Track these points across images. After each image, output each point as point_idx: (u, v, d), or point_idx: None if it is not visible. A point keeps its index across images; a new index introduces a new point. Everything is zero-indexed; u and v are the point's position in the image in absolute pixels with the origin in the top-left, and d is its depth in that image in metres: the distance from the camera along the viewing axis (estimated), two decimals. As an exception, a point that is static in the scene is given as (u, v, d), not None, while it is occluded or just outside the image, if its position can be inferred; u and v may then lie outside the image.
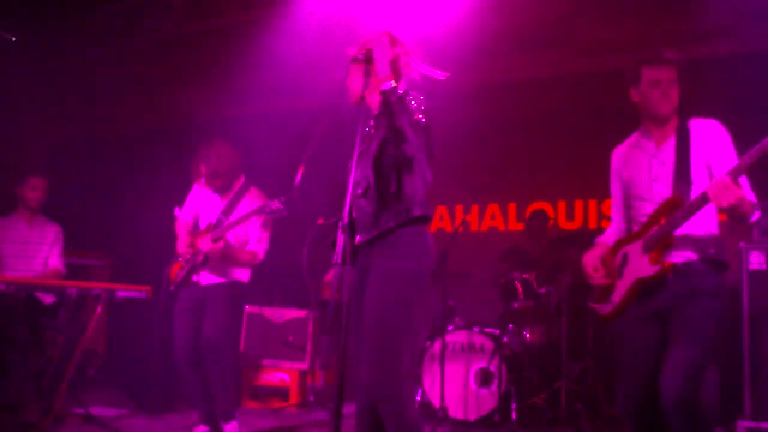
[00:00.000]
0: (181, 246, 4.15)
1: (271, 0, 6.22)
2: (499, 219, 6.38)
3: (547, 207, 6.18)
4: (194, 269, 4.10)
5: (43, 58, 6.99)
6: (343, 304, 2.27)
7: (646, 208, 2.68)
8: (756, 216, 2.44)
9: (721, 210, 2.41)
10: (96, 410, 4.67)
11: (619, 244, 2.79)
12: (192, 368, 4.02)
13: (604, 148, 3.02)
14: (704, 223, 2.59)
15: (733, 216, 2.43)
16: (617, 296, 2.71)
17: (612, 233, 2.92)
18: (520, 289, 5.01)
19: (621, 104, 2.93)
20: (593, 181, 3.10)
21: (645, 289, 2.61)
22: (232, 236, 4.11)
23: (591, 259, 2.82)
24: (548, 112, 6.00)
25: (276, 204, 3.91)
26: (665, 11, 5.39)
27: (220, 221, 4.12)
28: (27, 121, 7.47)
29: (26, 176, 4.93)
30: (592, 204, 5.94)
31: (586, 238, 3.66)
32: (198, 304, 4.07)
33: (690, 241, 2.57)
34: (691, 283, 2.54)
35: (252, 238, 4.20)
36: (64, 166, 7.33)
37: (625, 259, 2.72)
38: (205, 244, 4.04)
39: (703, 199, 2.39)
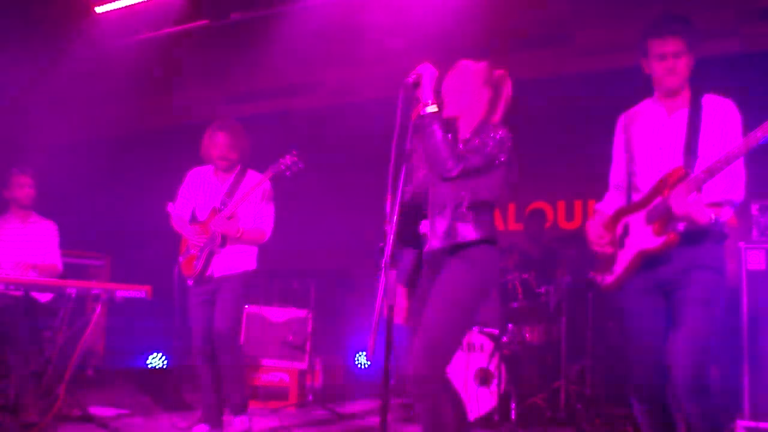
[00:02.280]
0: (193, 236, 4.09)
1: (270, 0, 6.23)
2: (499, 219, 6.38)
3: (546, 207, 6.18)
4: (212, 255, 4.06)
5: (42, 57, 6.99)
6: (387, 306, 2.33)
7: (649, 176, 2.65)
8: (726, 217, 2.47)
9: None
10: (95, 410, 4.67)
11: (620, 213, 2.75)
12: (207, 361, 4.03)
13: (603, 149, 3.01)
14: (707, 195, 2.56)
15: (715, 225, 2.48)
16: (619, 267, 2.68)
17: (610, 201, 2.89)
18: (519, 289, 5.01)
19: (620, 104, 2.93)
20: (592, 182, 3.10)
21: (648, 260, 2.59)
22: (240, 215, 4.07)
23: (594, 227, 2.80)
24: (547, 112, 5.99)
25: (288, 159, 3.90)
26: (664, 11, 5.38)
27: (225, 203, 4.09)
28: (27, 121, 7.47)
29: (11, 176, 4.90)
30: (592, 204, 5.93)
31: (585, 238, 3.66)
32: (212, 297, 4.07)
33: None
34: (693, 256, 2.53)
35: (256, 214, 4.15)
36: (64, 166, 7.33)
37: (626, 230, 2.69)
38: (219, 225, 3.99)
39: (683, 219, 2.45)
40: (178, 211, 4.27)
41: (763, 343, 4.06)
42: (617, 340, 4.81)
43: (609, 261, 2.75)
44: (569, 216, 6.12)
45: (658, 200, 2.56)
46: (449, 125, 2.65)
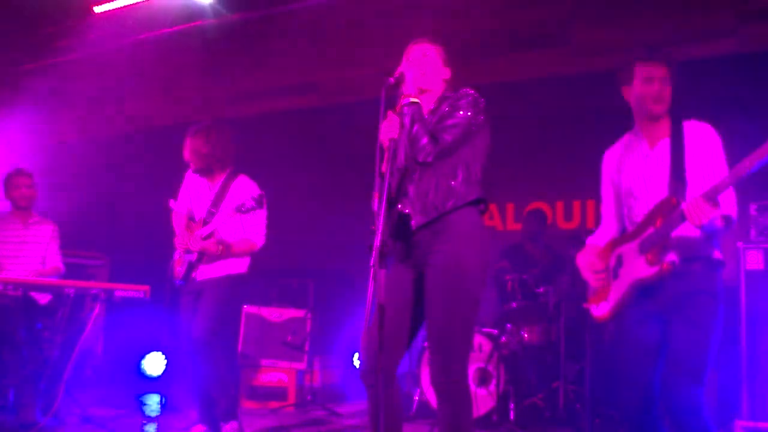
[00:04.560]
0: (178, 241, 4.08)
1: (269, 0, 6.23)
2: (497, 219, 6.38)
3: (545, 207, 6.18)
4: (192, 267, 4.05)
5: (42, 57, 7.00)
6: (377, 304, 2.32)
7: (640, 208, 2.67)
8: (721, 226, 2.46)
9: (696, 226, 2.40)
10: (94, 410, 4.68)
11: (613, 244, 2.77)
12: (193, 363, 3.99)
13: (602, 149, 3.01)
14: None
15: (705, 231, 2.46)
16: (613, 297, 2.69)
17: (602, 234, 2.90)
18: (518, 289, 5.01)
19: (619, 105, 2.93)
20: (591, 182, 3.10)
21: (643, 290, 2.59)
22: (225, 229, 4.01)
23: (588, 260, 2.81)
24: (546, 112, 5.99)
25: (249, 200, 3.79)
26: (664, 11, 5.39)
27: (210, 214, 4.03)
28: (27, 121, 7.47)
29: (9, 177, 4.91)
30: (590, 204, 5.94)
31: (584, 237, 3.66)
32: (197, 299, 4.03)
33: (688, 242, 2.56)
34: (690, 283, 2.53)
35: (245, 224, 4.08)
36: (65, 166, 7.34)
37: (620, 260, 2.70)
38: (194, 243, 3.95)
39: (681, 218, 2.41)
40: (177, 208, 4.27)
41: (762, 343, 4.06)
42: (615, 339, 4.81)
43: (602, 292, 2.76)
44: (568, 216, 6.12)
45: (650, 230, 2.57)
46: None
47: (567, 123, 5.89)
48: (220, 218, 3.95)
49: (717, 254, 2.59)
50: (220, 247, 3.97)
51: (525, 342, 5.03)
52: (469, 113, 2.65)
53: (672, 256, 2.53)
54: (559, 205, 6.15)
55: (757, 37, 5.20)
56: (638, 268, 2.59)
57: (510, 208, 6.35)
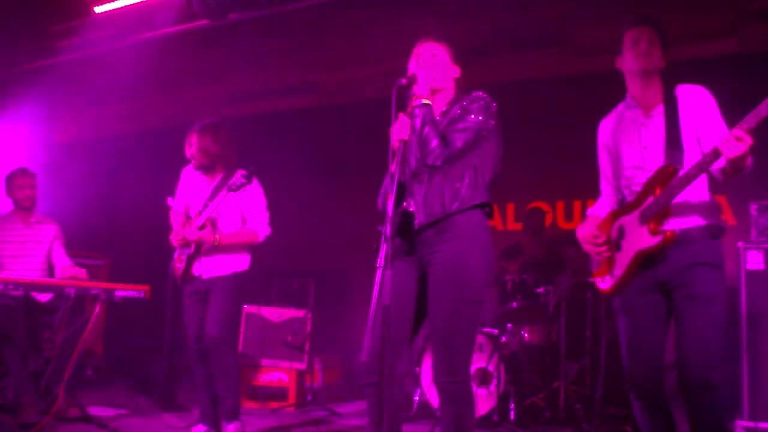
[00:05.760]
0: (174, 238, 4.08)
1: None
2: (498, 219, 6.39)
3: (545, 207, 6.19)
4: (192, 259, 4.05)
5: (42, 57, 6.99)
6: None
7: (639, 177, 2.66)
8: (749, 169, 2.43)
9: (728, 161, 2.33)
10: (94, 410, 4.68)
11: (613, 216, 2.75)
12: (201, 361, 4.02)
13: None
14: (698, 191, 2.58)
15: (734, 169, 2.39)
16: (618, 269, 2.68)
17: (601, 205, 2.89)
18: (518, 289, 5.01)
19: (618, 105, 2.93)
20: (591, 182, 3.10)
21: (646, 260, 2.59)
22: (223, 220, 4.03)
23: (588, 231, 2.80)
24: (547, 112, 6.00)
25: (238, 178, 3.82)
26: (664, 11, 5.39)
27: (206, 206, 4.04)
28: (27, 121, 7.47)
29: (12, 177, 4.91)
30: (591, 204, 5.93)
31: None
32: (204, 297, 4.04)
33: (687, 209, 2.56)
34: (692, 253, 2.53)
35: (245, 213, 4.09)
36: (64, 166, 7.34)
37: (621, 232, 2.69)
38: (191, 233, 3.96)
39: (715, 154, 2.34)
40: (175, 206, 4.27)
41: (762, 343, 4.06)
42: (615, 339, 4.81)
43: (607, 264, 2.75)
44: (568, 216, 6.12)
45: (650, 200, 2.56)
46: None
47: (567, 123, 5.89)
48: (214, 204, 3.96)
49: (717, 221, 2.58)
50: (217, 236, 3.96)
51: (525, 342, 5.03)
52: (480, 117, 2.64)
53: (673, 225, 2.53)
54: (560, 205, 6.16)
55: (757, 37, 5.21)
56: (640, 238, 2.58)
57: (510, 208, 6.35)
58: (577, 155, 5.73)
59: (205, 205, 4.05)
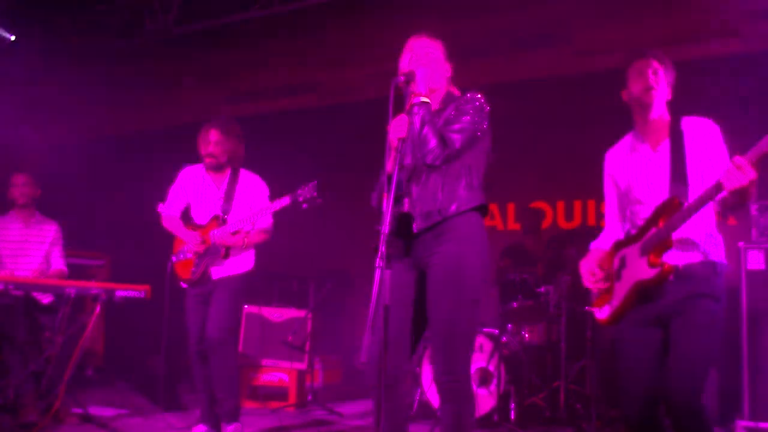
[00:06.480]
0: (192, 242, 4.03)
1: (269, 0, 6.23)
2: (498, 219, 6.38)
3: (546, 207, 6.19)
4: (212, 264, 4.04)
5: (42, 57, 6.99)
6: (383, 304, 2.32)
7: (643, 212, 2.66)
8: (753, 204, 2.43)
9: (731, 193, 2.30)
10: (94, 410, 4.67)
11: (617, 246, 2.76)
12: (202, 362, 4.01)
13: (602, 149, 3.01)
14: (702, 225, 2.57)
15: (740, 200, 2.36)
16: (616, 300, 2.68)
17: (606, 237, 2.89)
18: (519, 289, 5.00)
19: (619, 104, 2.93)
20: (592, 181, 3.10)
21: (644, 292, 2.58)
22: (242, 222, 4.04)
23: (587, 264, 2.80)
24: (547, 112, 5.99)
25: (307, 192, 3.76)
26: (664, 11, 5.39)
27: (226, 210, 4.06)
28: (27, 121, 7.47)
29: (10, 176, 4.93)
30: (591, 204, 5.94)
31: (585, 237, 3.65)
32: (207, 298, 4.04)
33: (689, 243, 2.55)
34: (692, 286, 2.52)
35: (256, 215, 4.08)
36: (65, 166, 7.33)
37: (623, 262, 2.68)
38: (223, 239, 3.96)
39: (717, 188, 2.32)
40: (169, 211, 4.22)
41: (763, 343, 4.06)
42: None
43: (605, 295, 2.75)
44: (569, 216, 6.12)
45: (652, 232, 2.55)
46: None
47: (567, 123, 5.89)
48: (237, 213, 4.02)
49: (720, 257, 2.58)
50: (246, 241, 4.01)
51: (526, 342, 5.03)
52: (475, 118, 2.65)
53: (674, 258, 2.53)
54: (560, 205, 6.15)
55: (758, 37, 5.21)
56: (640, 269, 2.58)
57: (511, 207, 6.35)
58: (577, 155, 5.74)
59: (227, 201, 4.06)
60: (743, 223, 4.81)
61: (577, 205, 6.07)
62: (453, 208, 2.59)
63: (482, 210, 2.69)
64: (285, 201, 3.86)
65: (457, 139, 2.60)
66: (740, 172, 2.23)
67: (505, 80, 6.03)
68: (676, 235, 2.50)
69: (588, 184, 5.67)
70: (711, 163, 2.56)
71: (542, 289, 4.94)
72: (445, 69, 2.80)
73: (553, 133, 5.99)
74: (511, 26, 5.96)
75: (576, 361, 4.91)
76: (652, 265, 2.52)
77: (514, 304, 4.97)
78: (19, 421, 4.16)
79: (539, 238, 5.69)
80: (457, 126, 2.63)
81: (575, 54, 5.81)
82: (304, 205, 3.81)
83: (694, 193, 2.48)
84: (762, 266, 4.13)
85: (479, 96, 2.71)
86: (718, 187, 2.32)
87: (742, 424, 4.03)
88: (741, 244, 4.22)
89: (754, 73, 4.95)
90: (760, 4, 5.12)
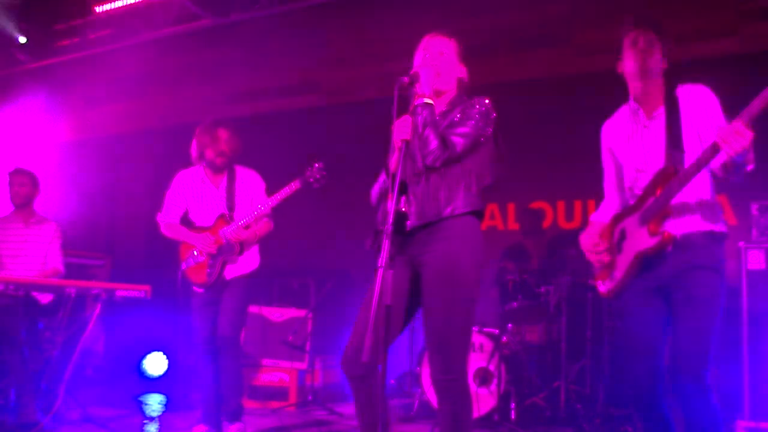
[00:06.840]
0: (204, 244, 3.98)
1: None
2: (498, 219, 6.38)
3: (546, 207, 6.19)
4: (226, 263, 4.02)
5: (42, 57, 7.00)
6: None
7: (641, 180, 2.65)
8: (751, 166, 2.40)
9: (729, 157, 2.29)
10: (94, 410, 4.67)
11: (616, 219, 2.75)
12: (209, 361, 4.01)
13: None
14: (699, 191, 2.56)
15: (736, 165, 2.35)
16: (618, 272, 2.67)
17: (605, 210, 2.89)
18: (519, 289, 5.00)
19: (619, 105, 2.93)
20: (592, 182, 3.10)
21: (645, 261, 2.58)
22: (249, 216, 4.02)
23: (589, 238, 2.80)
24: (547, 112, 5.99)
25: (316, 171, 3.88)
26: (664, 11, 5.39)
27: (231, 207, 4.06)
28: (27, 121, 7.47)
29: (9, 175, 4.93)
30: (591, 204, 5.94)
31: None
32: (215, 298, 4.03)
33: (687, 210, 2.54)
34: (691, 256, 2.51)
35: (258, 207, 4.06)
36: (65, 166, 7.33)
37: (623, 234, 2.68)
38: (237, 234, 3.95)
39: (714, 150, 2.30)
40: (168, 218, 4.19)
41: (763, 343, 4.06)
42: (617, 340, 4.82)
43: (609, 267, 2.75)
44: (569, 216, 6.12)
45: (650, 201, 2.55)
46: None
47: (568, 123, 5.89)
48: (241, 209, 4.05)
49: (719, 226, 2.56)
50: (256, 234, 4.04)
51: (526, 342, 5.04)
52: (480, 124, 2.65)
53: (673, 226, 2.52)
54: (561, 205, 6.15)
55: (758, 37, 5.21)
56: (640, 240, 2.57)
57: (511, 207, 6.35)
58: (578, 155, 5.73)
59: (230, 199, 4.08)
60: (743, 223, 4.81)
61: (578, 205, 6.07)
62: (449, 210, 2.60)
63: (479, 215, 2.69)
64: (296, 185, 3.93)
65: (458, 142, 2.61)
66: (739, 136, 2.23)
67: (505, 80, 6.02)
68: (674, 201, 2.49)
69: (588, 184, 5.65)
70: (708, 129, 2.54)
71: (542, 289, 4.94)
72: (457, 70, 2.79)
73: (554, 133, 5.99)
74: (511, 26, 5.96)
75: (576, 361, 4.92)
76: (652, 234, 2.52)
77: (514, 304, 4.97)
78: (19, 421, 4.16)
79: (539, 239, 5.69)
80: (460, 130, 2.63)
81: (575, 54, 5.81)
82: (315, 185, 3.94)
83: (690, 159, 2.46)
84: (762, 266, 4.13)
85: (487, 101, 2.70)
86: (714, 149, 2.30)
87: (742, 424, 4.03)
88: (741, 244, 4.22)
89: (754, 73, 4.95)
90: (760, 4, 5.12)
